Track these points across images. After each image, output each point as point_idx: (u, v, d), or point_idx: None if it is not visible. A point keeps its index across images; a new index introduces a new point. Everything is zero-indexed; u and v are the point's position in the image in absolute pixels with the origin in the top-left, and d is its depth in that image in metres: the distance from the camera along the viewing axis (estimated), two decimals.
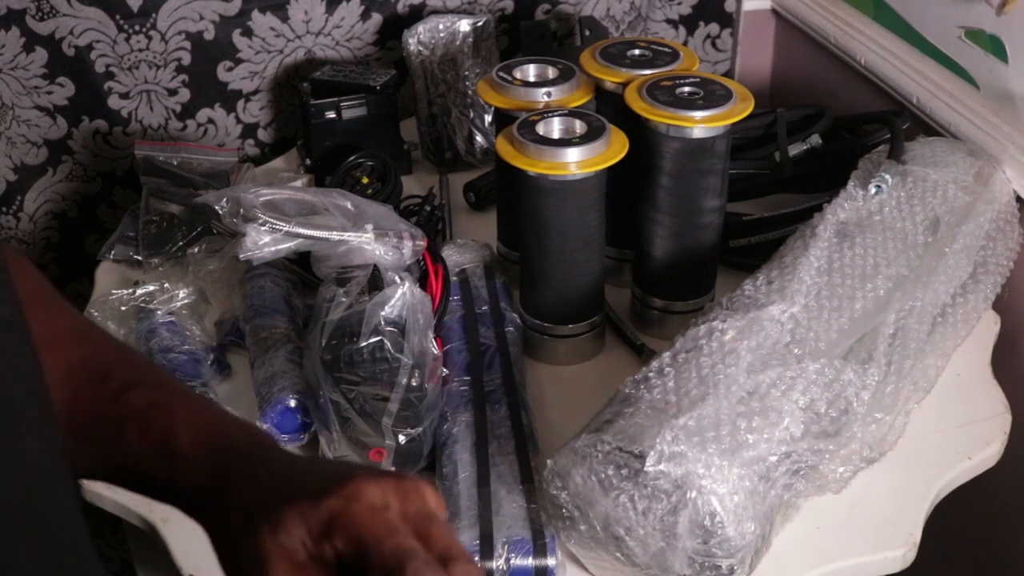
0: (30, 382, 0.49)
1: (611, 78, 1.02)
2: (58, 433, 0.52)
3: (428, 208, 1.18)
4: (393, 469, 0.54)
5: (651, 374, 0.80)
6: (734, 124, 0.96)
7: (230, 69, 1.33)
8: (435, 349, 0.90)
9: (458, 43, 1.31)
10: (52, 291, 0.66)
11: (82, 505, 0.55)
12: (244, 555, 0.50)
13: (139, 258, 1.15)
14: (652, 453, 0.72)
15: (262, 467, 0.54)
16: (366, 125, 1.27)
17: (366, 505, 0.49)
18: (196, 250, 1.12)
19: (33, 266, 0.66)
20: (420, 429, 0.86)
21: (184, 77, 1.31)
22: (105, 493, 0.90)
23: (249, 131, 1.38)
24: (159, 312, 1.02)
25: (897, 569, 0.85)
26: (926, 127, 1.19)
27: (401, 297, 0.90)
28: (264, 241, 0.95)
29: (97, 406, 0.59)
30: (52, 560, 0.48)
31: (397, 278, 0.92)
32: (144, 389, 0.60)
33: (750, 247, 1.12)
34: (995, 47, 1.11)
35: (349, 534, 0.48)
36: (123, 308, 1.04)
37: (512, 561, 0.78)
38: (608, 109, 1.01)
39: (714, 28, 1.52)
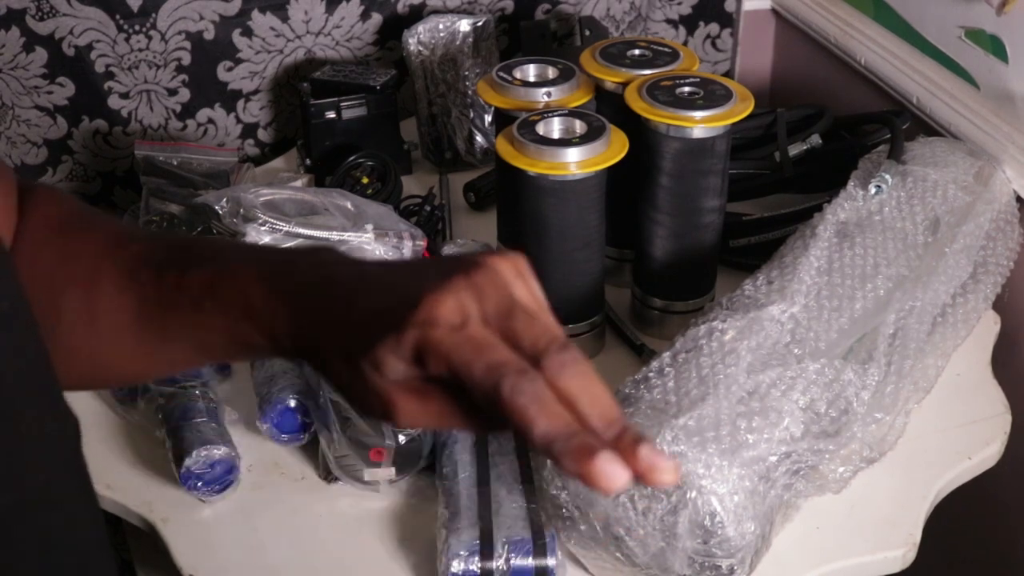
0: (30, 379, 0.48)
1: (611, 78, 1.02)
2: (68, 426, 0.51)
3: (428, 208, 1.18)
4: (462, 256, 0.50)
5: (651, 374, 0.80)
6: (734, 124, 0.96)
7: (230, 69, 1.33)
8: None
9: (458, 43, 1.31)
10: (86, 210, 0.65)
11: (94, 499, 0.54)
12: (365, 396, 0.49)
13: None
14: None
15: (338, 302, 0.51)
16: (366, 125, 1.27)
17: (445, 327, 0.47)
18: None
19: (63, 193, 0.65)
20: (420, 429, 0.86)
21: (184, 77, 1.31)
22: (105, 493, 0.90)
23: (249, 131, 1.38)
24: None
25: (897, 569, 0.85)
26: (926, 127, 1.19)
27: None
28: (264, 241, 0.95)
29: (165, 299, 0.57)
30: (59, 559, 0.48)
31: None
32: (202, 265, 0.57)
33: (750, 247, 1.12)
34: (995, 47, 1.11)
35: (438, 361, 0.46)
36: None
37: (512, 561, 0.78)
38: (608, 109, 1.01)
39: (714, 28, 1.52)
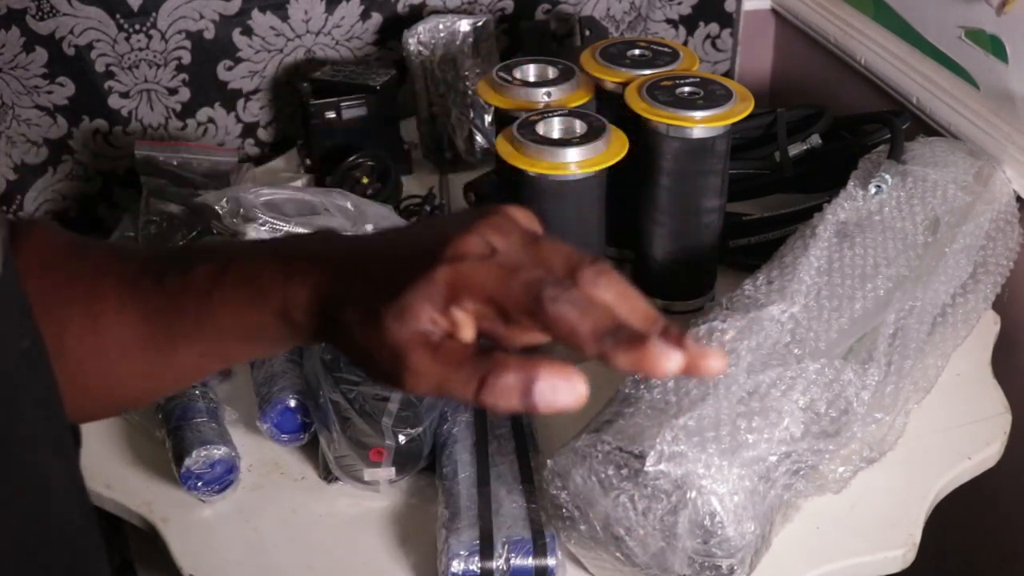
0: (47, 414, 0.48)
1: (611, 78, 1.02)
2: (74, 465, 0.50)
3: (428, 208, 1.18)
4: (475, 213, 0.51)
5: None
6: (734, 124, 0.96)
7: (230, 68, 1.33)
8: None
9: (458, 43, 1.31)
10: (81, 238, 0.64)
11: (101, 536, 0.54)
12: (379, 354, 0.48)
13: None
14: (652, 453, 0.72)
15: (356, 266, 0.51)
16: (366, 125, 1.27)
17: (475, 258, 0.47)
18: None
19: (58, 227, 0.64)
20: (420, 429, 0.86)
21: (184, 76, 1.31)
22: (105, 493, 0.90)
23: (249, 130, 1.38)
24: None
25: (897, 569, 0.85)
26: (926, 127, 1.19)
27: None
28: None
29: (169, 304, 0.56)
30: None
31: None
32: (206, 261, 0.57)
33: (750, 247, 1.12)
34: (995, 47, 1.11)
35: (473, 293, 0.47)
36: None
37: (512, 561, 0.78)
38: (608, 109, 1.01)
39: (714, 28, 1.52)
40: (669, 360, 0.43)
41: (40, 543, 0.45)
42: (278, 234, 0.96)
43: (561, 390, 0.44)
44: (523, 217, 0.51)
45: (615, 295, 0.47)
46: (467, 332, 0.48)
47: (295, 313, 0.52)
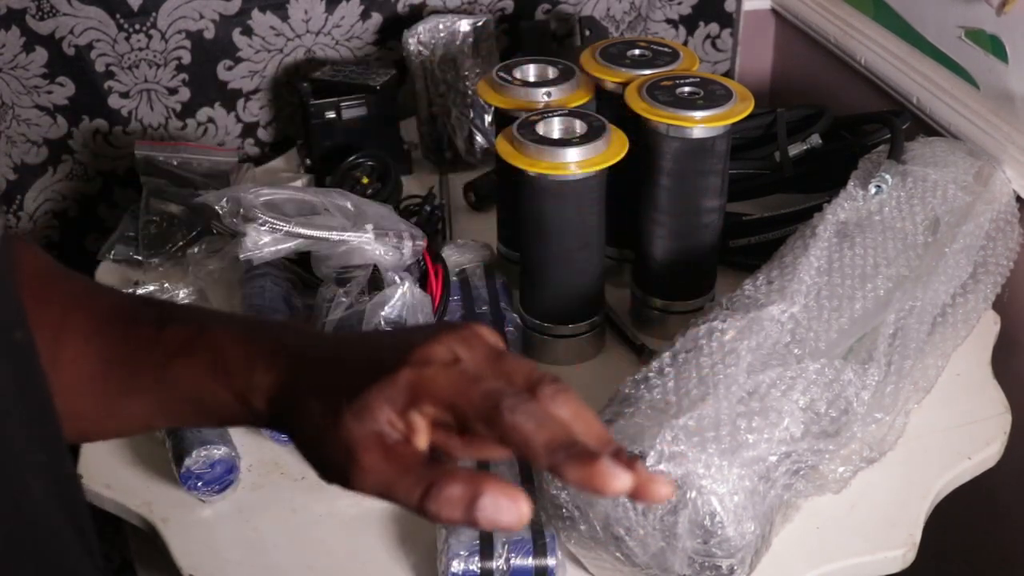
0: (40, 408, 0.48)
1: (611, 78, 1.02)
2: (61, 468, 0.50)
3: (428, 208, 1.18)
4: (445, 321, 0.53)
5: (651, 374, 0.80)
6: (734, 124, 0.96)
7: (230, 68, 1.33)
8: None
9: (458, 43, 1.31)
10: (60, 266, 0.64)
11: (84, 528, 0.54)
12: (331, 448, 0.49)
13: (139, 258, 1.15)
14: (652, 453, 0.72)
15: (323, 360, 0.53)
16: (366, 125, 1.27)
17: (439, 365, 0.49)
18: (196, 250, 1.12)
19: (40, 249, 0.65)
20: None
21: (184, 76, 1.31)
22: (105, 493, 0.90)
23: (249, 130, 1.38)
24: None
25: (897, 569, 0.85)
26: (926, 127, 1.19)
27: (401, 297, 0.90)
28: (264, 241, 0.95)
29: (134, 354, 0.57)
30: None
31: (397, 278, 0.92)
32: (177, 323, 0.58)
33: (750, 247, 1.12)
34: (995, 47, 1.11)
35: (434, 397, 0.48)
36: None
37: (512, 561, 0.78)
38: (608, 109, 1.01)
39: (714, 28, 1.52)
40: (618, 480, 0.44)
41: (14, 542, 0.44)
42: (278, 234, 0.95)
43: (504, 509, 0.44)
44: (489, 335, 0.52)
45: (571, 413, 0.48)
46: (422, 439, 0.49)
47: (254, 397, 0.53)
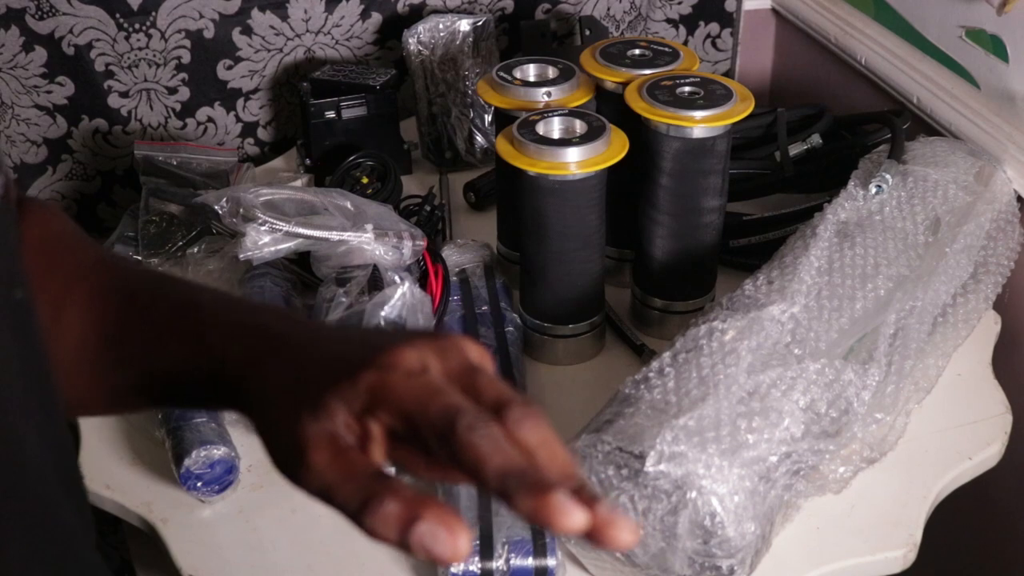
0: (37, 366, 0.49)
1: (611, 78, 1.02)
2: (60, 420, 0.51)
3: (428, 208, 1.18)
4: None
5: (651, 374, 0.80)
6: (734, 124, 0.96)
7: (230, 68, 1.33)
8: None
9: (458, 43, 1.30)
10: (74, 232, 0.65)
11: (80, 495, 0.54)
12: (285, 441, 0.47)
13: (139, 258, 1.15)
14: (652, 453, 0.72)
15: (296, 348, 0.51)
16: (366, 125, 1.27)
17: (403, 372, 0.46)
18: (196, 250, 1.12)
19: (57, 211, 0.66)
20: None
21: (184, 75, 1.31)
22: (105, 493, 0.90)
23: (249, 130, 1.38)
24: None
25: (898, 570, 0.85)
26: (926, 127, 1.19)
27: (401, 297, 0.90)
28: (264, 241, 0.95)
29: (128, 327, 0.58)
30: (50, 559, 0.48)
31: (397, 278, 0.92)
32: (170, 299, 0.58)
33: (750, 247, 1.12)
34: (996, 47, 1.10)
35: (392, 406, 0.46)
36: None
37: (512, 561, 0.78)
38: (608, 109, 1.01)
39: (714, 28, 1.52)
40: (571, 517, 0.40)
41: (5, 491, 0.45)
42: (278, 234, 0.95)
43: (440, 540, 0.41)
44: (472, 349, 0.49)
45: (537, 440, 0.44)
46: (377, 449, 0.47)
47: (229, 374, 0.52)
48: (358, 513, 0.43)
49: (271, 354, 0.51)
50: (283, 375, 0.50)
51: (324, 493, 0.45)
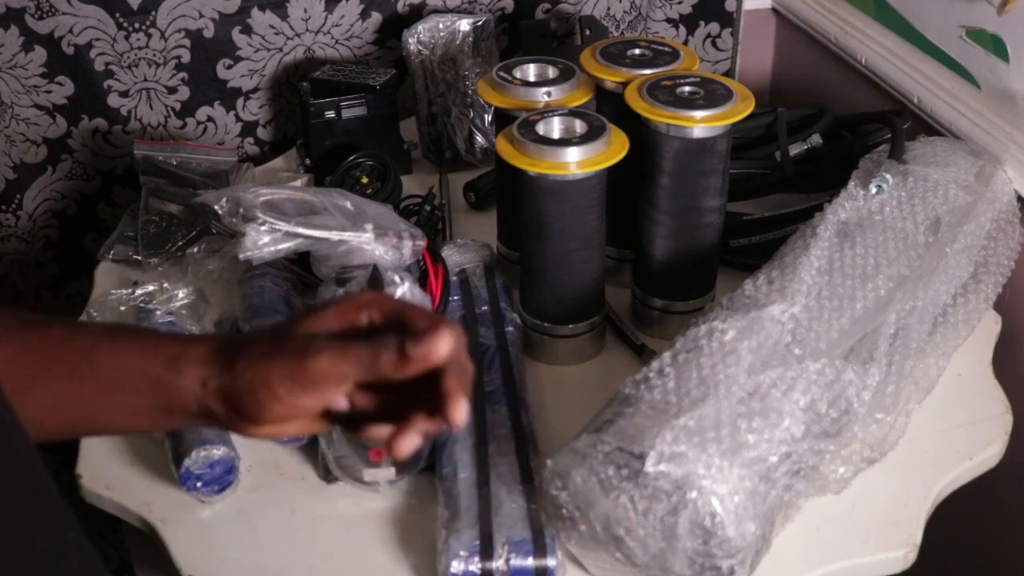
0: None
1: (611, 78, 1.02)
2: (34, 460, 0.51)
3: (428, 208, 1.18)
4: None
5: (651, 374, 0.80)
6: (734, 124, 0.96)
7: (229, 67, 1.33)
8: None
9: (458, 43, 1.30)
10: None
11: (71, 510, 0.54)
12: (249, 395, 0.57)
13: (138, 258, 1.15)
14: (652, 453, 0.72)
15: (258, 329, 0.63)
16: (366, 125, 1.27)
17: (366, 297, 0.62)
18: (195, 250, 1.12)
19: None
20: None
21: (183, 75, 1.31)
22: (105, 493, 0.90)
23: (249, 129, 1.38)
24: (158, 312, 1.02)
25: (898, 570, 0.85)
26: (927, 127, 1.19)
27: (401, 297, 0.89)
28: (264, 241, 0.95)
29: (45, 351, 0.60)
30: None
31: (397, 278, 0.92)
32: (94, 325, 0.63)
33: (750, 247, 1.12)
34: (996, 46, 1.10)
35: (385, 308, 0.60)
36: (122, 308, 1.03)
37: (512, 561, 0.78)
38: (608, 109, 1.01)
39: (714, 27, 1.52)
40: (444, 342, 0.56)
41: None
42: (277, 234, 0.95)
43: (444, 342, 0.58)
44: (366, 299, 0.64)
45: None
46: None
47: (188, 362, 0.58)
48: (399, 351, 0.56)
49: (238, 336, 0.62)
50: (260, 332, 0.62)
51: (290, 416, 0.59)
